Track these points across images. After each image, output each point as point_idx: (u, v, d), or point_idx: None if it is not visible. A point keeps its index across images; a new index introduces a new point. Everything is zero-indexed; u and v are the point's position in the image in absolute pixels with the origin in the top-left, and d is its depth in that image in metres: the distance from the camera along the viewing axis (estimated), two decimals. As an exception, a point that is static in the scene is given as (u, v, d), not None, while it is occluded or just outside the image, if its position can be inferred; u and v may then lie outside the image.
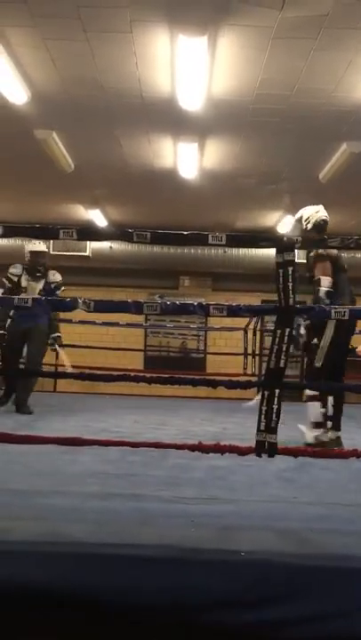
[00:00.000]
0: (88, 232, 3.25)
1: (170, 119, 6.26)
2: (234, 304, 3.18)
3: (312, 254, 4.49)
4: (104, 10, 4.50)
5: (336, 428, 4.52)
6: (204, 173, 7.87)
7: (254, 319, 9.13)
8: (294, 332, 3.21)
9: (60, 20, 4.67)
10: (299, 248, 2.96)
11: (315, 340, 4.51)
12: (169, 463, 3.59)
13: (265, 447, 2.88)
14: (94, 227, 8.87)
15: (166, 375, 5.38)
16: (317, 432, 4.44)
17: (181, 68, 5.12)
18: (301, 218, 4.67)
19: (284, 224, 10.10)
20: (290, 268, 2.89)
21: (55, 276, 6.54)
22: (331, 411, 4.49)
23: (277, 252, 2.96)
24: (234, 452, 3.04)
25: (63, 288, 6.61)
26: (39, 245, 6.44)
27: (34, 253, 6.39)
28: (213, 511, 2.66)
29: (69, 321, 8.12)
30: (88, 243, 10.43)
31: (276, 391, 2.86)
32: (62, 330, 10.30)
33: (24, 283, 6.29)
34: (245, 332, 9.47)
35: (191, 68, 5.08)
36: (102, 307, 3.09)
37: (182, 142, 6.91)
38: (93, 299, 2.94)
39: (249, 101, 5.87)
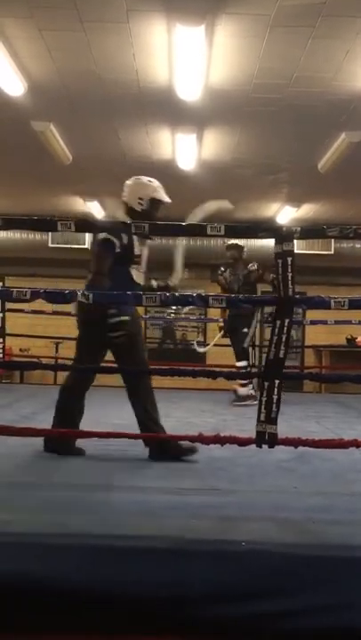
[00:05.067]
0: (86, 224, 3.24)
1: (168, 110, 6.23)
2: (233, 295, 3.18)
3: None
4: (100, 0, 4.47)
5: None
6: (202, 164, 7.84)
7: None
8: None
9: (56, 11, 4.64)
10: (298, 238, 2.95)
11: (245, 329, 6.71)
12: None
13: (265, 438, 2.88)
14: (93, 218, 8.85)
15: (166, 367, 5.40)
16: (245, 389, 6.56)
17: (179, 58, 5.09)
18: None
19: (284, 214, 10.08)
20: (289, 259, 2.88)
21: None
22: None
23: (276, 243, 2.95)
24: (234, 442, 3.04)
25: None
26: None
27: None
28: (214, 502, 2.66)
29: (69, 314, 8.10)
30: (87, 235, 10.40)
31: (276, 382, 2.86)
32: (60, 323, 10.38)
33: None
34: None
35: (189, 57, 5.05)
36: (101, 298, 3.09)
37: (180, 133, 6.88)
38: (92, 291, 2.93)
39: (247, 91, 5.84)
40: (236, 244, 7.03)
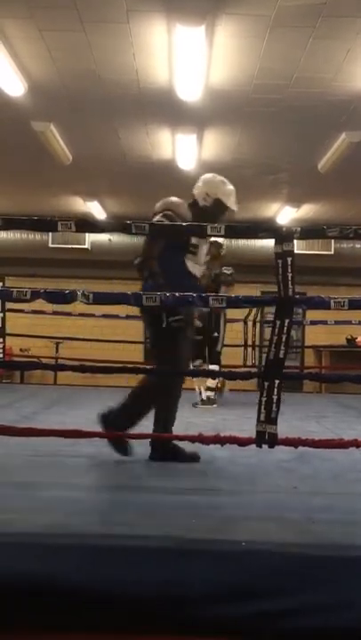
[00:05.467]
0: (86, 224, 3.24)
1: (168, 110, 6.23)
2: (233, 295, 3.18)
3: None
4: (101, 0, 4.47)
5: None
6: (202, 164, 7.83)
7: (254, 310, 9.13)
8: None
9: (56, 11, 4.64)
10: (298, 238, 2.95)
11: (215, 334, 6.62)
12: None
13: (265, 438, 2.88)
14: (93, 219, 8.85)
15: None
16: (210, 393, 6.56)
17: (179, 59, 5.09)
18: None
19: (284, 215, 10.08)
20: (289, 259, 2.88)
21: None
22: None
23: (276, 243, 2.95)
24: (234, 442, 3.04)
25: None
26: None
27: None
28: (214, 502, 2.66)
29: (69, 314, 8.11)
30: (87, 235, 10.41)
31: (276, 382, 2.86)
32: (62, 323, 10.38)
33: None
34: (245, 324, 9.47)
35: (189, 58, 5.05)
36: (102, 299, 3.09)
37: (181, 133, 6.88)
38: (93, 291, 2.93)
39: (247, 91, 5.85)
40: (215, 241, 6.69)
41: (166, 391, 3.49)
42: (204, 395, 6.58)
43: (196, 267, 3.57)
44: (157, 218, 3.46)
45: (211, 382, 6.60)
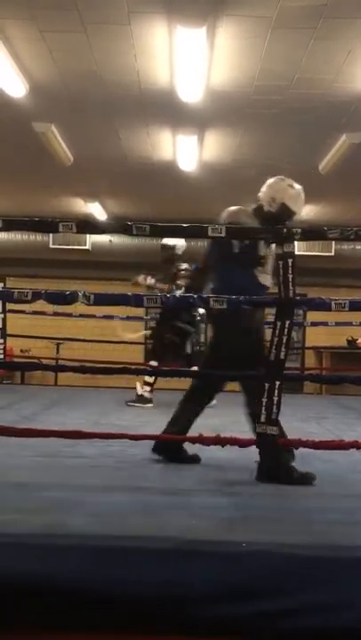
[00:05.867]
0: (87, 225, 3.24)
1: (169, 111, 6.23)
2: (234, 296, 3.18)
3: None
4: (102, 1, 4.48)
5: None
6: (203, 166, 7.84)
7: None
8: None
9: (57, 12, 4.65)
10: (299, 240, 2.96)
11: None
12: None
13: (265, 439, 2.89)
14: (94, 220, 8.86)
15: (167, 368, 5.39)
16: (147, 389, 6.44)
17: (180, 60, 5.10)
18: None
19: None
20: (290, 260, 2.89)
21: None
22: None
23: (277, 245, 2.96)
24: (235, 444, 3.05)
25: None
26: None
27: None
28: (214, 502, 2.66)
29: (69, 315, 8.12)
30: (88, 236, 10.41)
31: (277, 383, 2.86)
32: (62, 323, 10.38)
33: None
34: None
35: (190, 59, 5.05)
36: (102, 300, 3.09)
37: (181, 135, 6.89)
38: (93, 292, 2.94)
39: (248, 92, 5.85)
40: (165, 245, 6.73)
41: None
42: (139, 391, 6.43)
43: (267, 278, 3.46)
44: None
45: (148, 378, 6.48)
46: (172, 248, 6.68)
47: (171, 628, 1.88)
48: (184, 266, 6.61)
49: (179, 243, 6.68)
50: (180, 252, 6.69)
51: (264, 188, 3.55)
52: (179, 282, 6.39)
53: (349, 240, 3.02)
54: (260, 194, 3.56)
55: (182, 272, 6.49)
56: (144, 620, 1.88)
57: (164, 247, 6.75)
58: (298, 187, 3.53)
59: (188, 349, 6.62)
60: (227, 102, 6.02)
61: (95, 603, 1.87)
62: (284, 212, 3.45)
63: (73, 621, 1.89)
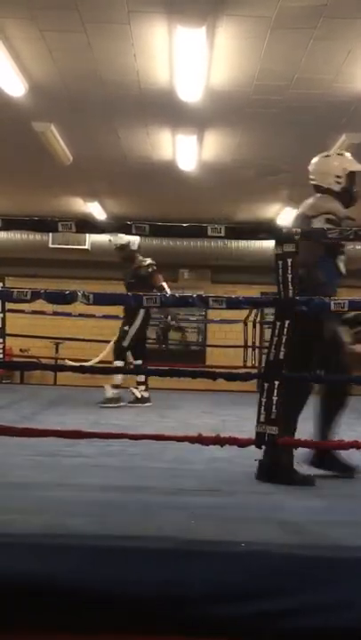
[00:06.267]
0: (87, 225, 3.24)
1: (168, 111, 6.23)
2: (233, 296, 3.18)
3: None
4: (102, 1, 4.48)
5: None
6: (203, 165, 7.84)
7: (254, 311, 9.13)
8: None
9: (57, 12, 4.65)
10: (299, 240, 2.96)
11: (126, 327, 6.41)
12: (169, 455, 3.59)
13: (265, 439, 2.88)
14: (93, 219, 8.85)
15: (166, 367, 5.41)
16: (115, 391, 6.32)
17: (180, 60, 5.10)
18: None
19: (284, 216, 10.09)
20: (289, 260, 2.89)
21: None
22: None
23: (277, 244, 2.96)
24: (234, 444, 3.05)
25: None
26: None
27: None
28: (214, 502, 2.66)
29: (69, 314, 8.12)
30: (87, 236, 10.41)
31: (276, 383, 2.86)
32: (62, 323, 10.38)
33: None
34: (245, 325, 9.47)
35: (190, 59, 5.06)
36: (102, 299, 3.09)
37: (181, 134, 6.89)
38: (93, 291, 2.94)
39: (248, 92, 5.85)
40: (120, 245, 6.61)
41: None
42: (109, 393, 6.30)
43: (343, 266, 3.41)
44: (320, 224, 3.16)
45: (118, 380, 6.38)
46: (128, 245, 6.54)
47: (171, 628, 1.87)
48: (148, 261, 6.55)
49: (131, 238, 6.47)
50: (135, 247, 6.57)
51: (315, 173, 3.37)
52: (162, 283, 6.38)
53: (349, 240, 3.02)
54: (313, 182, 3.37)
55: (150, 268, 6.45)
56: (144, 620, 1.88)
57: (121, 247, 6.60)
58: (342, 151, 3.58)
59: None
60: (226, 102, 6.03)
61: (95, 603, 1.87)
62: (353, 180, 3.35)
63: (73, 621, 1.89)
